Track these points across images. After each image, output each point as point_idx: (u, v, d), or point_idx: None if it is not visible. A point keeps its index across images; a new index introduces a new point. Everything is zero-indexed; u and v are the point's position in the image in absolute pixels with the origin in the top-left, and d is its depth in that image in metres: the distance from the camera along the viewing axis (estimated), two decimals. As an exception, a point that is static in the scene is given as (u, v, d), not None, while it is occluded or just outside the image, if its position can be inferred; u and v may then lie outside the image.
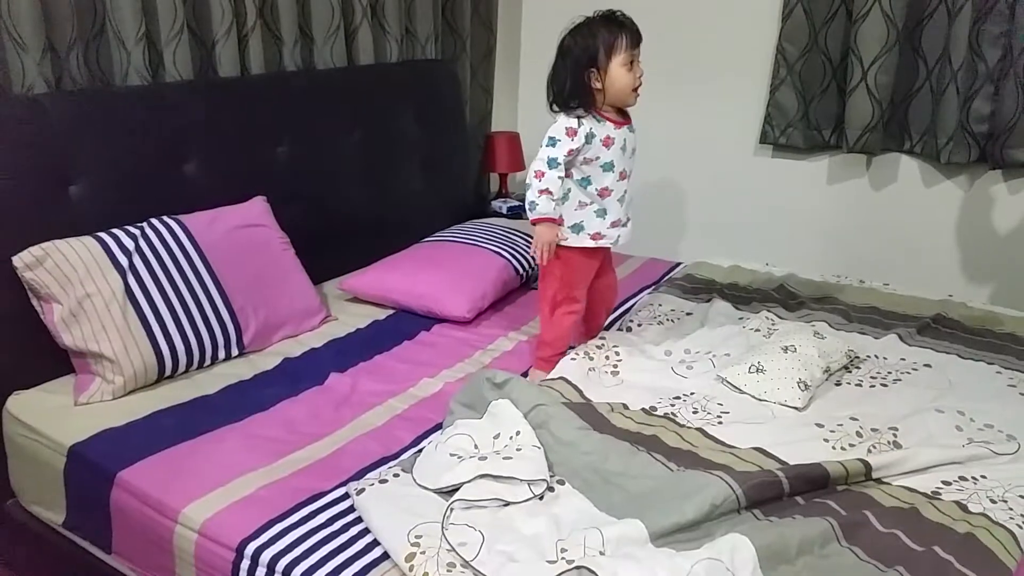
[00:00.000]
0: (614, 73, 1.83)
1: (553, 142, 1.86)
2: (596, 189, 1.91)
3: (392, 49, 2.85)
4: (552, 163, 1.86)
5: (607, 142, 1.87)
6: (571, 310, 2.01)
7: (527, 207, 1.91)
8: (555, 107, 1.90)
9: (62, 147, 1.90)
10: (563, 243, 1.94)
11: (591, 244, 1.94)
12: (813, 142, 2.88)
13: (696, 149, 3.14)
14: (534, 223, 1.91)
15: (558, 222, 1.92)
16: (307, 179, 2.49)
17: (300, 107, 2.45)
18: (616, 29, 1.82)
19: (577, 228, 1.93)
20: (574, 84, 1.84)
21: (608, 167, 1.89)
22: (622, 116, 1.93)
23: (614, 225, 1.95)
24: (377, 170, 2.75)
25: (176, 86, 2.19)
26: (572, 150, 1.85)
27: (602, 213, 1.93)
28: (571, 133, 1.84)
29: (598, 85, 1.84)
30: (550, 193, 1.87)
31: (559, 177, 1.87)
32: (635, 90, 1.87)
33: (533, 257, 1.98)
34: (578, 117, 1.85)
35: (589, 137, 1.85)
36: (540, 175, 1.87)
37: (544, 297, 2.03)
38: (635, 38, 1.84)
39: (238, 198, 2.20)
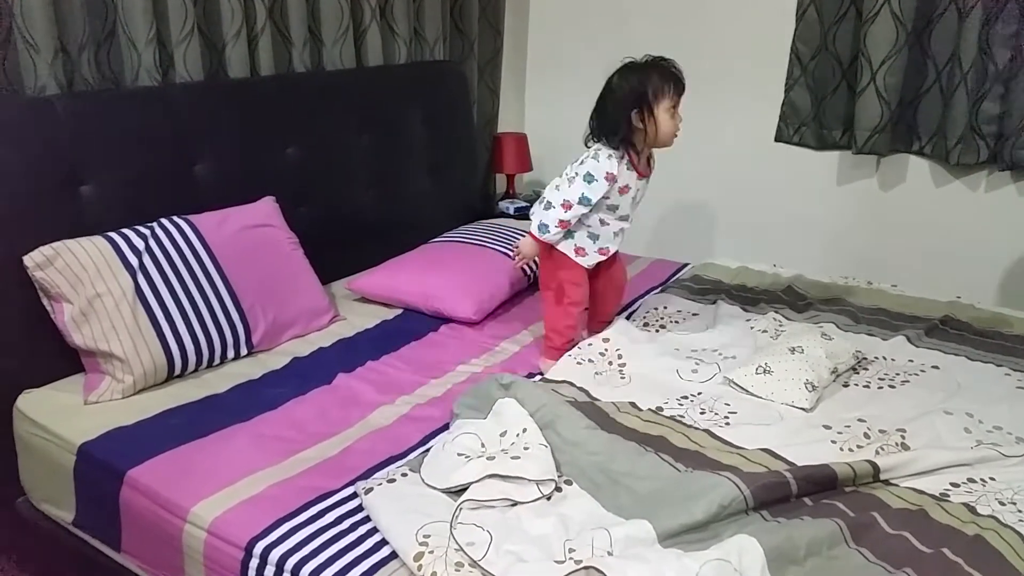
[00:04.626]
0: (659, 117, 1.86)
1: (591, 180, 1.88)
2: (597, 218, 1.97)
3: (400, 50, 2.85)
4: (585, 201, 1.89)
5: (623, 190, 1.93)
6: (576, 299, 2.04)
7: (536, 227, 1.95)
8: (591, 141, 1.93)
9: (73, 148, 1.91)
10: (543, 238, 1.97)
11: (571, 255, 2.00)
12: (825, 142, 2.88)
13: (706, 149, 3.14)
14: (529, 235, 1.96)
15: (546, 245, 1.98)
16: (316, 179, 2.50)
17: (309, 108, 2.47)
18: (667, 76, 1.87)
19: (568, 234, 1.98)
20: (617, 121, 1.87)
21: (613, 208, 1.96)
22: (647, 166, 1.97)
23: (600, 252, 2.01)
24: (385, 170, 2.75)
25: (186, 87, 2.20)
26: (607, 193, 1.89)
27: (595, 237, 2.00)
28: (611, 178, 1.88)
29: (640, 125, 1.87)
30: (567, 226, 1.93)
31: (574, 217, 1.92)
32: (674, 134, 1.92)
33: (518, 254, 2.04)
34: (619, 159, 1.88)
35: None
36: (568, 207, 1.90)
37: (547, 286, 2.06)
38: (680, 87, 1.89)
39: (247, 198, 2.21)
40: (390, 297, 2.38)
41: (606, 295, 2.17)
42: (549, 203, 1.93)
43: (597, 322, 2.18)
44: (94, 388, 1.83)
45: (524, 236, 2.00)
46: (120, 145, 2.00)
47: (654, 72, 1.87)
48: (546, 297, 2.07)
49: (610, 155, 1.89)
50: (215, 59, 2.33)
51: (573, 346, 2.04)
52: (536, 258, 2.05)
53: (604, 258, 2.03)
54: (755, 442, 1.63)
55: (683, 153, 3.12)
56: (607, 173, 1.87)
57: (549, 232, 1.93)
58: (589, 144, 1.94)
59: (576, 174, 1.90)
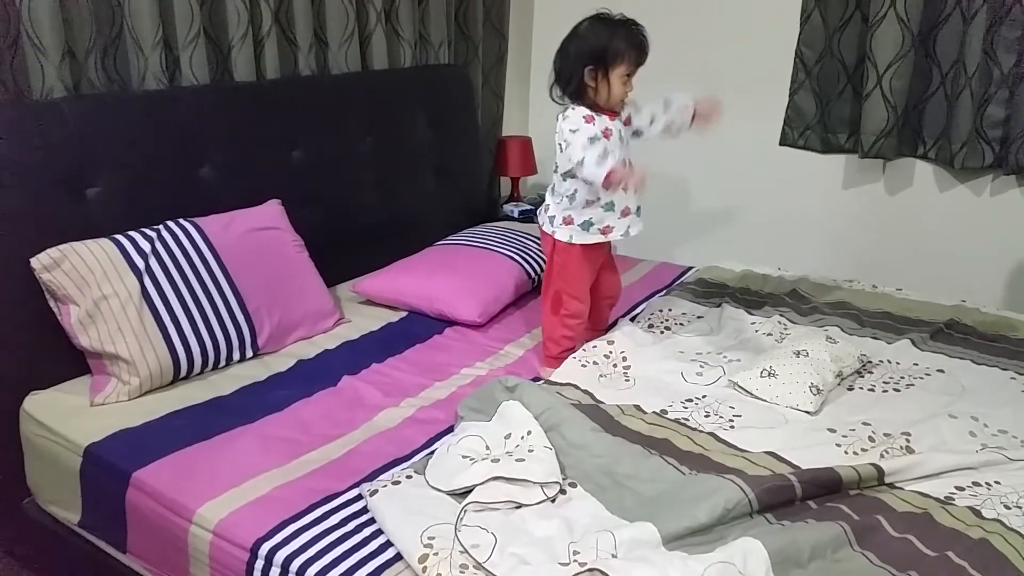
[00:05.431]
0: (612, 81, 1.85)
1: (575, 130, 1.84)
2: None
3: (406, 54, 2.86)
4: (593, 140, 1.82)
5: (607, 133, 1.89)
6: (573, 311, 2.02)
7: (594, 178, 1.76)
8: (557, 89, 1.90)
9: (80, 150, 1.92)
10: (572, 241, 1.95)
11: (603, 239, 1.95)
12: (830, 146, 2.88)
13: (711, 153, 3.13)
14: (609, 178, 1.75)
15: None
16: (321, 182, 2.51)
17: (315, 111, 2.47)
18: (632, 41, 1.83)
19: (587, 225, 1.94)
20: (573, 72, 1.85)
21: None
22: (613, 112, 1.94)
23: (624, 215, 1.96)
24: (390, 174, 2.76)
25: (192, 90, 2.21)
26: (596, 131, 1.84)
27: (610, 206, 1.94)
28: (590, 120, 1.85)
29: (591, 83, 1.85)
30: (604, 155, 1.78)
31: (604, 147, 1.82)
32: (622, 100, 1.89)
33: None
34: (584, 106, 1.86)
35: None
36: (587, 150, 1.79)
37: (546, 293, 2.05)
38: (642, 57, 1.86)
39: (253, 201, 2.22)
40: (395, 300, 2.38)
41: (599, 305, 2.16)
42: (568, 173, 1.88)
43: (591, 331, 2.17)
44: (100, 390, 1.84)
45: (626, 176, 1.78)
46: (126, 148, 2.01)
47: (621, 33, 1.83)
48: (544, 304, 2.06)
49: (572, 107, 1.87)
50: (221, 62, 2.34)
51: (572, 354, 2.03)
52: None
53: (629, 218, 1.96)
54: (759, 445, 1.63)
55: (688, 157, 3.15)
56: (584, 116, 1.85)
57: (606, 162, 1.75)
58: (552, 95, 1.92)
59: (565, 142, 1.85)
